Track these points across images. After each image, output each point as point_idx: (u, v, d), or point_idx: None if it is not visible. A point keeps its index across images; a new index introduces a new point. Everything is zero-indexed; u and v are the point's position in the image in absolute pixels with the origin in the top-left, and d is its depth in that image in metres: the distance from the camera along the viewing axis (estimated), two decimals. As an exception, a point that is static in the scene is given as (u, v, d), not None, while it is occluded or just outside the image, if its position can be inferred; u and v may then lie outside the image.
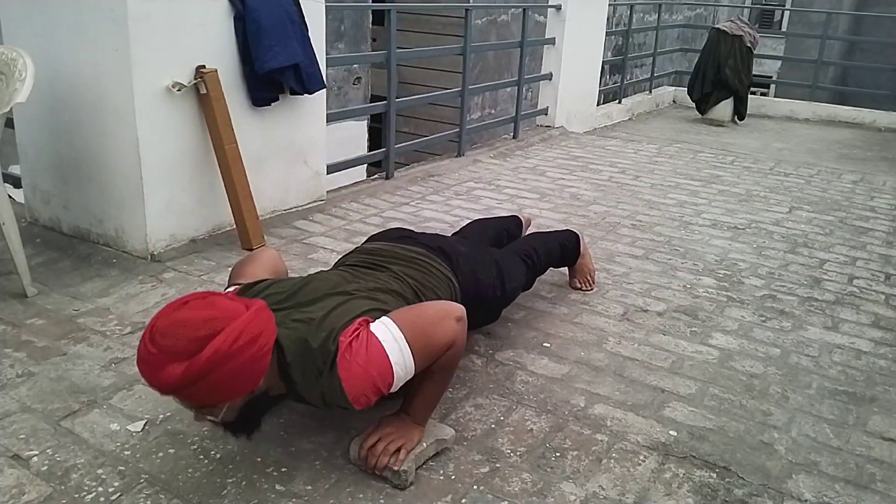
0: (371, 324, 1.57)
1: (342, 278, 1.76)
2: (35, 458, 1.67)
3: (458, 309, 1.67)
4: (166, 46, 2.69)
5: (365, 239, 2.22)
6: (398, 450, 1.65)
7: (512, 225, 2.83)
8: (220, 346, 1.34)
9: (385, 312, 1.62)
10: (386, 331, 1.55)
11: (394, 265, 1.88)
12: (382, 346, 1.53)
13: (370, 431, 1.70)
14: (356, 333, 1.53)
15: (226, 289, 1.79)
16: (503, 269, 2.20)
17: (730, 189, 4.47)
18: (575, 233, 2.75)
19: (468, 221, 2.89)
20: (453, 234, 2.67)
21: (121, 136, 2.72)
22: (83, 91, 2.76)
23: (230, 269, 1.96)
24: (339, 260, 2.04)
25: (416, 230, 2.34)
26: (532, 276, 2.44)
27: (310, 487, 1.62)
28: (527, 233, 2.88)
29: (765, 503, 1.67)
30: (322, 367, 1.51)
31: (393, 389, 1.57)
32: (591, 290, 2.78)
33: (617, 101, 7.37)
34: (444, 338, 1.60)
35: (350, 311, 1.59)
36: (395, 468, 1.63)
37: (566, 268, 2.79)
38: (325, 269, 1.93)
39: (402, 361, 1.54)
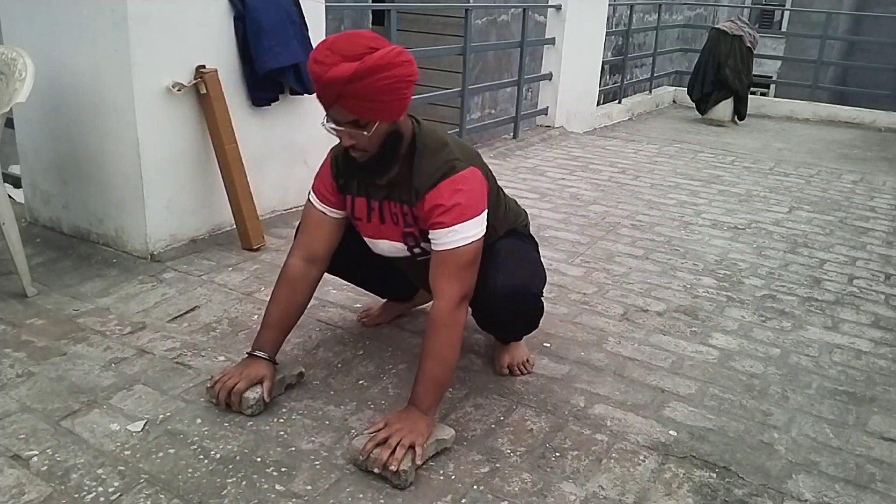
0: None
1: None
2: (35, 458, 1.67)
3: (469, 294, 1.82)
4: (166, 46, 2.69)
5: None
6: (411, 446, 1.65)
7: None
8: (386, 54, 1.59)
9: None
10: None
11: None
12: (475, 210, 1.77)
13: (377, 427, 1.70)
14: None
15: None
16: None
17: (730, 189, 4.48)
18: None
19: None
20: None
21: (121, 136, 2.72)
22: (83, 91, 2.76)
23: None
24: None
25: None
26: None
27: (310, 487, 1.62)
28: None
29: (765, 503, 1.67)
30: (441, 164, 1.75)
31: (456, 238, 1.74)
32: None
33: (617, 101, 7.37)
34: (463, 285, 1.77)
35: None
36: (419, 462, 1.64)
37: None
38: None
39: (479, 225, 1.76)
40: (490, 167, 1.98)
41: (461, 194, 1.74)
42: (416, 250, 1.93)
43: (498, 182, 2.05)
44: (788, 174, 5.01)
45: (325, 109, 1.68)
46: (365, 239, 2.01)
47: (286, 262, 1.98)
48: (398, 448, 1.63)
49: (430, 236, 1.79)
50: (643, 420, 1.95)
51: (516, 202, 2.19)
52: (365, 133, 1.67)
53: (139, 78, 2.63)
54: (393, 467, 1.61)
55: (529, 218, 2.26)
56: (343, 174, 1.89)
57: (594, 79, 6.44)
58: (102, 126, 2.76)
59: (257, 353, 1.92)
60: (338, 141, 1.79)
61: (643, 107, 7.64)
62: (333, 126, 1.69)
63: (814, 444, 1.90)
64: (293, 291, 1.95)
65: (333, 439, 1.79)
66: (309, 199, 1.97)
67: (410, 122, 1.81)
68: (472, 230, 1.76)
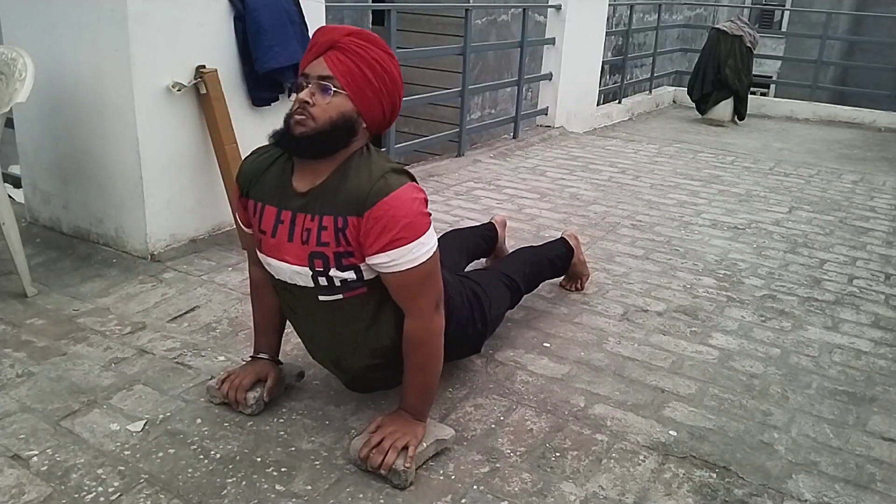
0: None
1: None
2: (35, 458, 1.67)
3: (441, 301, 1.71)
4: (166, 46, 2.69)
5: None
6: (405, 447, 1.65)
7: (487, 232, 2.77)
8: (381, 40, 1.63)
9: None
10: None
11: None
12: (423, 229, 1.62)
13: (372, 430, 1.70)
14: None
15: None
16: (482, 301, 2.07)
17: (730, 189, 4.48)
18: (568, 245, 2.67)
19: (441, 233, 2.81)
20: None
21: (121, 136, 2.72)
22: (83, 91, 2.76)
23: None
24: None
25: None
26: (518, 298, 2.38)
27: (310, 487, 1.62)
28: (504, 231, 2.84)
29: (765, 503, 1.67)
30: (380, 181, 1.59)
31: (400, 263, 1.59)
32: (581, 291, 2.77)
33: (617, 101, 7.37)
34: (433, 294, 1.67)
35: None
36: (408, 465, 1.62)
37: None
38: None
39: (430, 244, 1.62)
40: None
41: (411, 208, 1.58)
42: (322, 280, 1.66)
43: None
44: (788, 174, 5.01)
45: (303, 69, 1.61)
46: (264, 261, 1.77)
47: (249, 269, 1.98)
48: (390, 451, 1.64)
49: (383, 258, 1.60)
50: (643, 420, 1.95)
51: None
52: (327, 96, 1.57)
53: (139, 78, 2.63)
54: (383, 471, 1.62)
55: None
56: (257, 173, 1.73)
57: (594, 79, 6.44)
58: (102, 126, 2.76)
59: (259, 355, 1.93)
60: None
61: (643, 107, 7.64)
62: (299, 85, 1.62)
63: (814, 444, 1.90)
64: (263, 294, 1.92)
65: (333, 439, 1.79)
66: None
67: (366, 141, 1.67)
68: (427, 245, 1.62)
